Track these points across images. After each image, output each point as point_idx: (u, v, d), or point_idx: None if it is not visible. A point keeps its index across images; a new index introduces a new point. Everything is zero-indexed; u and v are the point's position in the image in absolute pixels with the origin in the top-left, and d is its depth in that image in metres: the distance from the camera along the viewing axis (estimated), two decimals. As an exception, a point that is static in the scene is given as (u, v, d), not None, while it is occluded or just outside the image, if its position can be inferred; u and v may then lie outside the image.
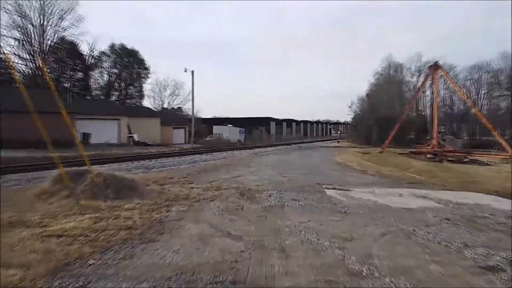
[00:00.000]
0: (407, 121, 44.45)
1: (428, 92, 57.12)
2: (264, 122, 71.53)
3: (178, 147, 37.20)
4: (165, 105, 64.38)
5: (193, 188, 10.76)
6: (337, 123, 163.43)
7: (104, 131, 35.87)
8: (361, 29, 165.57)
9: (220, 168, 16.89)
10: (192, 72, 41.94)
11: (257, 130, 66.28)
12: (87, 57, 50.56)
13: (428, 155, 28.68)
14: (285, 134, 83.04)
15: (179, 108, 65.47)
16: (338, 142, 63.21)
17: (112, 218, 6.91)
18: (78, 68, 49.70)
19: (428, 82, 47.41)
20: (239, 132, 56.58)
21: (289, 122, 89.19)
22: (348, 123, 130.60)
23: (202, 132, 52.65)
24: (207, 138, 48.69)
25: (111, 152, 25.67)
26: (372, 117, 52.54)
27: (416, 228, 6.89)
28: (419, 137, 50.36)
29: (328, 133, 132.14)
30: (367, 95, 61.90)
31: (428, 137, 45.60)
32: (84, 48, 57.34)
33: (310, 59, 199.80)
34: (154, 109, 57.82)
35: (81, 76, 50.69)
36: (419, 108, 58.87)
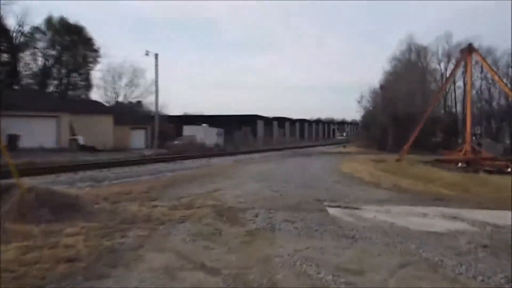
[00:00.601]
0: (433, 121, 44.77)
1: (459, 83, 58.56)
2: (250, 121, 72.02)
3: (138, 153, 37.13)
4: (121, 99, 64.53)
5: (156, 206, 10.77)
6: (342, 123, 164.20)
7: (38, 132, 35.53)
8: (373, 1, 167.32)
9: (192, 181, 16.94)
10: (156, 56, 42.28)
11: (241, 132, 65.86)
12: (14, 34, 49.44)
13: (460, 164, 28.98)
14: (277, 136, 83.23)
15: (139, 102, 65.83)
16: (344, 147, 64.35)
17: (48, 247, 6.80)
18: (2, 48, 48.65)
19: (460, 70, 49.10)
20: (217, 134, 57.01)
21: (281, 121, 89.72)
22: (356, 123, 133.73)
23: (169, 134, 52.84)
24: (176, 142, 49.02)
25: (48, 160, 25.22)
26: (388, 115, 52.84)
27: (444, 257, 6.92)
28: (447, 140, 50.63)
29: (331, 135, 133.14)
30: (381, 87, 62.60)
31: (459, 141, 46.93)
32: (10, 23, 58.12)
33: (308, 41, 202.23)
34: (105, 104, 57.14)
35: (6, 59, 49.45)
36: (448, 104, 59.76)
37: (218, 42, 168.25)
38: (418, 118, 35.70)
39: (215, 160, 32.48)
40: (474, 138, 39.94)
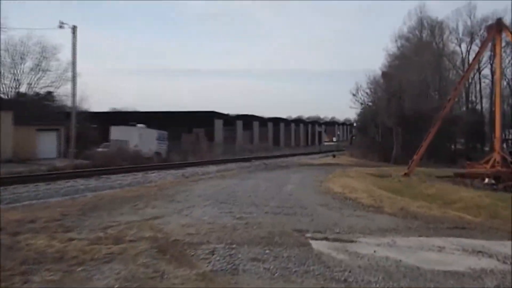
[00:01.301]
0: (451, 121, 46.41)
1: (486, 71, 61.14)
2: (204, 120, 72.50)
3: (47, 165, 37.02)
4: (23, 89, 64.86)
5: (72, 239, 10.66)
6: (331, 123, 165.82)
7: None
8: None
9: (123, 204, 16.98)
10: (74, 29, 41.91)
11: (192, 135, 66.83)
12: None
13: (486, 180, 29.61)
14: (241, 141, 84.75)
15: (49, 94, 65.83)
16: (334, 156, 65.80)
17: None
18: None
19: (486, 54, 52.18)
20: (158, 138, 57.68)
21: (248, 120, 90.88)
22: (351, 124, 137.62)
23: (91, 137, 52.80)
24: (100, 149, 49.11)
25: None
26: (392, 112, 54.64)
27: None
28: (470, 148, 54.53)
29: (317, 141, 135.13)
30: (384, 74, 64.38)
31: (485, 149, 49.66)
32: None
33: (286, 13, 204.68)
34: (1, 96, 56.72)
35: None
36: (471, 99, 62.19)
37: (164, 15, 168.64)
38: (432, 117, 36.95)
39: (155, 175, 32.56)
40: (505, 145, 40.92)
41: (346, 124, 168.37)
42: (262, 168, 41.58)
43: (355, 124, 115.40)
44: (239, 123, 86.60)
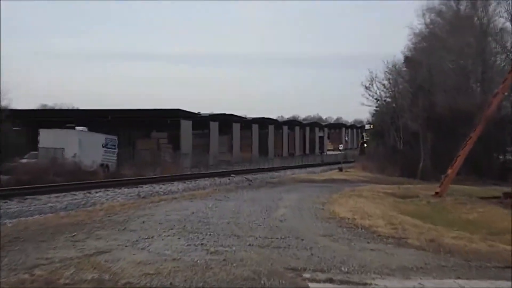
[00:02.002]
0: (499, 123, 47.69)
1: None
2: (167, 121, 73.30)
3: None
4: None
5: (-14, 285, 11.14)
6: (337, 126, 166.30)
7: None
8: None
9: (56, 234, 16.86)
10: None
11: (150, 141, 69.03)
12: None
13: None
14: (217, 149, 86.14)
15: None
16: (340, 169, 67.07)
17: None
18: None
19: None
20: (105, 146, 57.64)
21: (226, 122, 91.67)
22: (362, 126, 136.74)
23: (12, 144, 52.52)
24: (25, 159, 49.02)
25: None
26: (419, 112, 56.18)
27: None
28: None
29: (318, 148, 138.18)
30: (407, 60, 66.69)
31: None
32: None
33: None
34: None
35: None
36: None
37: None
38: (473, 118, 36.91)
39: (100, 195, 32.60)
40: None
41: (356, 127, 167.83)
42: (244, 185, 42.09)
43: (367, 127, 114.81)
44: (214, 126, 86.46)
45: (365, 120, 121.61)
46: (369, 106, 76.79)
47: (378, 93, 69.45)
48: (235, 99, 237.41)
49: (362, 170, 65.09)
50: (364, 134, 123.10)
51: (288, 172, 66.06)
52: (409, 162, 52.36)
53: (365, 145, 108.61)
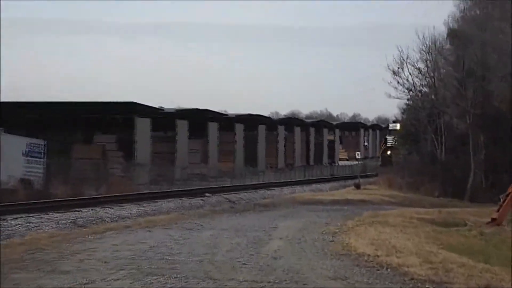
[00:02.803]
0: None
1: None
2: (116, 119, 75.21)
3: None
4: None
5: None
6: (354, 126, 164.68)
7: None
8: None
9: None
10: None
11: (92, 147, 70.86)
12: None
13: None
14: (186, 158, 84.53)
15: None
16: (357, 186, 68.50)
17: None
18: None
19: None
20: (28, 153, 58.81)
21: (199, 120, 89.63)
22: (386, 127, 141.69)
23: None
24: None
25: None
26: (469, 107, 59.18)
27: None
28: None
29: (326, 156, 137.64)
30: (452, 34, 69.55)
31: None
32: None
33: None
34: None
35: None
36: None
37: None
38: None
39: (20, 223, 32.50)
40: None
41: (379, 127, 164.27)
42: (225, 209, 42.62)
43: (391, 127, 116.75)
44: (182, 125, 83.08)
45: (392, 119, 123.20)
46: (398, 98, 78.13)
47: (410, 80, 71.09)
48: (212, 90, 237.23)
49: (388, 187, 66.28)
50: (388, 137, 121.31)
51: (286, 190, 66.26)
52: (454, 176, 50.48)
53: (389, 152, 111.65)
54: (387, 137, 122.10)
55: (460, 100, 53.89)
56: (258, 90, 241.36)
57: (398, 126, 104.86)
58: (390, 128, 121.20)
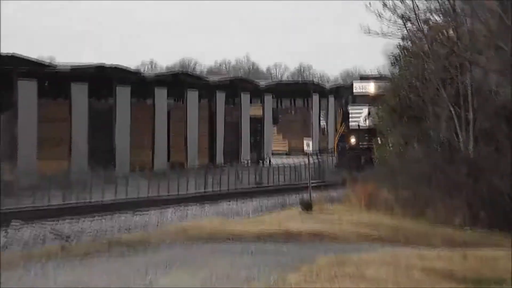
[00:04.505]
0: None
1: None
2: None
3: None
4: None
5: None
6: (300, 91, 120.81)
7: None
8: None
9: None
10: None
11: None
12: None
13: None
14: None
15: None
16: (306, 207, 49.06)
17: None
18: None
19: None
20: None
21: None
22: (349, 88, 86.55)
23: None
24: None
25: None
26: None
27: None
28: None
29: (248, 146, 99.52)
30: None
31: None
32: None
33: None
34: None
35: None
36: None
37: None
38: None
39: None
40: None
41: (348, 90, 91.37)
42: (51, 251, 29.84)
43: (358, 88, 77.32)
44: None
45: (376, 74, 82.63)
46: (385, 36, 50.18)
47: (409, 1, 47.39)
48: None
49: (365, 207, 45.39)
50: (352, 108, 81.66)
51: (171, 213, 47.07)
52: (493, 187, 39.91)
53: (353, 139, 74.96)
54: (351, 108, 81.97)
55: (505, 39, 40.50)
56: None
57: (371, 87, 75.56)
58: (355, 91, 79.80)
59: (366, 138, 74.08)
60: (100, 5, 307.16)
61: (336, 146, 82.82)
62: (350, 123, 78.43)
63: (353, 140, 76.20)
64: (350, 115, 78.73)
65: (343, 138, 79.82)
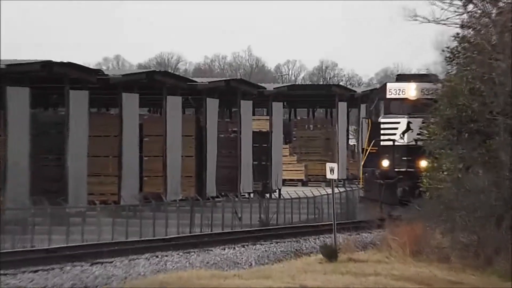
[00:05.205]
0: None
1: None
2: None
3: None
4: None
5: None
6: (322, 97, 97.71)
7: None
8: None
9: None
10: None
11: None
12: None
13: None
14: None
15: None
16: (329, 256, 42.24)
17: None
18: None
19: None
20: None
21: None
22: (382, 91, 75.51)
23: None
24: None
25: None
26: None
27: None
28: None
29: (250, 171, 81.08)
30: None
31: None
32: None
33: None
34: None
35: None
36: None
37: None
38: None
39: None
40: None
41: (375, 95, 77.41)
42: None
43: (392, 90, 60.22)
44: None
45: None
46: (437, 22, 41.85)
47: None
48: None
49: (409, 256, 37.92)
50: (384, 119, 63.62)
51: (143, 263, 38.25)
52: None
53: (386, 163, 58.45)
54: (383, 118, 63.42)
55: None
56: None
57: (412, 89, 58.39)
58: (389, 96, 61.60)
59: (405, 160, 58.33)
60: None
61: (363, 169, 64.43)
62: (382, 139, 61.41)
63: (385, 162, 59.54)
64: (381, 128, 61.67)
65: (372, 159, 61.89)
